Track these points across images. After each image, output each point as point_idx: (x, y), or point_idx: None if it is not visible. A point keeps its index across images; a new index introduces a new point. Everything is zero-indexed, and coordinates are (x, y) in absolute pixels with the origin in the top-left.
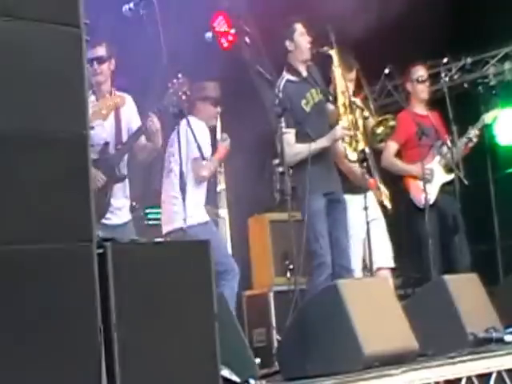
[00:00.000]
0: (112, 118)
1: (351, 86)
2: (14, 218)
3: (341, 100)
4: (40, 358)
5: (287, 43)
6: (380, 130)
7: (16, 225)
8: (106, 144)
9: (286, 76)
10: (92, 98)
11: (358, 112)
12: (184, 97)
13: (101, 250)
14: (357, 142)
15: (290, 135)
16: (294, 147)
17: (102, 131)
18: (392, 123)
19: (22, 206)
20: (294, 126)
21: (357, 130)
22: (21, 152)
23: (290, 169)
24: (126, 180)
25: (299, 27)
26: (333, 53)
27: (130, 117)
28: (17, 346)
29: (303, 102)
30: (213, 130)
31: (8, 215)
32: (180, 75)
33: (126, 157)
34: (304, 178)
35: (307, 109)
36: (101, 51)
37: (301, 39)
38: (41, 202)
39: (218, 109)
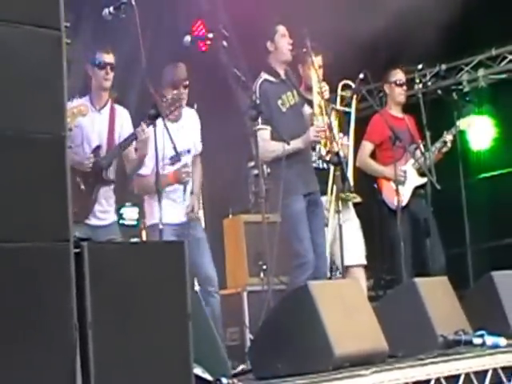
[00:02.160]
0: (105, 123)
1: (320, 72)
2: None
3: (316, 100)
4: (15, 354)
5: (268, 44)
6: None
7: None
8: (98, 147)
9: (264, 76)
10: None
11: (333, 113)
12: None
13: (78, 250)
14: (331, 143)
15: (265, 131)
16: (269, 144)
17: (79, 133)
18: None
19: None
20: (270, 124)
21: (331, 131)
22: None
23: (267, 168)
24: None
25: (281, 29)
26: (311, 55)
27: (124, 128)
28: None
29: (279, 101)
30: None
31: None
32: (169, 96)
33: (115, 162)
34: (281, 179)
35: (283, 109)
36: (112, 59)
37: (282, 41)
38: (19, 202)
39: (181, 90)
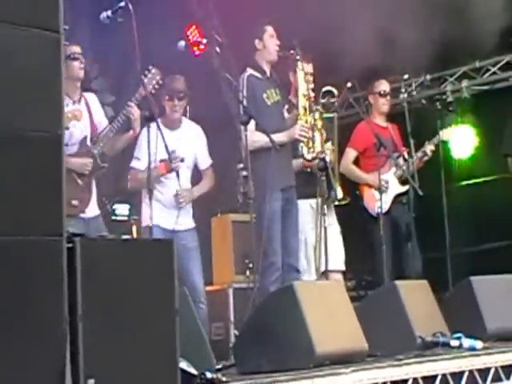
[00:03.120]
0: (86, 114)
1: (310, 79)
2: None
3: (302, 102)
4: (5, 345)
5: (256, 42)
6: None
7: None
8: (85, 138)
9: (250, 71)
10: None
11: (317, 114)
12: (157, 86)
13: (70, 245)
14: (313, 142)
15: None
16: (253, 134)
17: (76, 130)
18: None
19: None
20: (255, 116)
21: (314, 132)
22: None
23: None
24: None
25: (270, 29)
26: (298, 57)
27: (98, 111)
28: None
29: (265, 95)
30: None
31: None
32: (151, 67)
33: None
34: (263, 172)
35: (268, 102)
36: (80, 50)
37: (270, 40)
38: (14, 197)
39: (175, 102)
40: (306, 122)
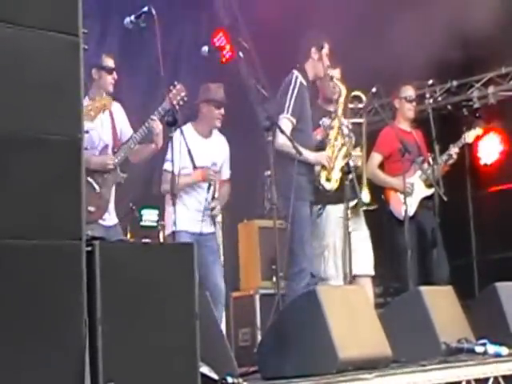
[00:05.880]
0: (109, 122)
1: (338, 83)
2: (8, 214)
3: (337, 123)
4: (26, 348)
5: (313, 50)
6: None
7: (9, 221)
8: (106, 147)
9: (298, 75)
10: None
11: (342, 139)
12: (181, 102)
13: (89, 248)
14: (331, 172)
15: (288, 122)
16: (284, 137)
17: (96, 134)
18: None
19: (16, 203)
20: (297, 120)
21: (335, 161)
22: (17, 153)
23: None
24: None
25: (327, 47)
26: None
27: (121, 121)
28: (5, 335)
29: (308, 104)
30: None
31: (2, 211)
32: (176, 82)
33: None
34: (291, 184)
35: (309, 112)
36: (112, 63)
37: (324, 57)
38: (35, 201)
39: (222, 111)
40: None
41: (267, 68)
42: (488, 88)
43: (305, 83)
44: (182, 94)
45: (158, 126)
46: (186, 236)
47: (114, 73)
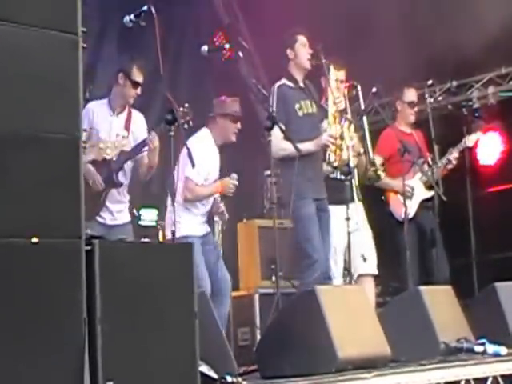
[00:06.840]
0: (122, 127)
1: (342, 86)
2: (7, 213)
3: (332, 110)
4: (24, 347)
5: (288, 51)
6: (371, 173)
7: (8, 220)
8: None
9: (284, 81)
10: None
11: (346, 123)
12: (186, 126)
13: (89, 247)
14: (341, 150)
15: (278, 131)
16: (280, 142)
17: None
18: (380, 173)
19: (15, 201)
20: (283, 125)
21: (342, 140)
22: (16, 151)
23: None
24: (126, 186)
25: (301, 38)
26: (330, 66)
27: (139, 131)
28: (5, 335)
29: (297, 105)
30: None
31: (1, 210)
32: (187, 105)
33: (126, 166)
34: (293, 183)
35: (299, 113)
36: (141, 78)
37: (302, 50)
38: (34, 199)
39: (238, 125)
40: (335, 130)
41: (267, 68)
42: (488, 88)
43: (291, 84)
44: (188, 117)
45: (153, 144)
46: (196, 240)
47: (139, 88)
